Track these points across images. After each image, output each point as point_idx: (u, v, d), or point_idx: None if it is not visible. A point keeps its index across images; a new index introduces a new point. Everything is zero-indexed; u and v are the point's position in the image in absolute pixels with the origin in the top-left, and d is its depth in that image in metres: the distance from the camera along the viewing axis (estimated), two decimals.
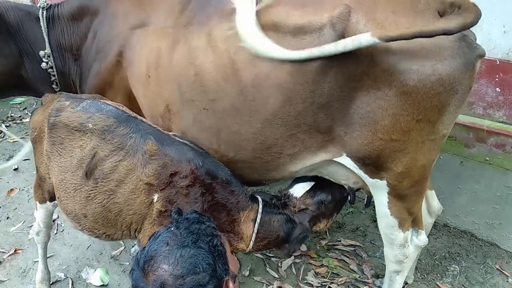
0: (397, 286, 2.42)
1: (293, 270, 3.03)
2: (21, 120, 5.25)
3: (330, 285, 2.88)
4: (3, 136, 4.84)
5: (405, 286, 2.83)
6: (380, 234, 2.31)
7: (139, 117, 2.19)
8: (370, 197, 2.29)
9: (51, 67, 2.70)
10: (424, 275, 2.96)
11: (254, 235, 2.17)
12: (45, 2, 2.66)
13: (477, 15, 1.63)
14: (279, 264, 3.08)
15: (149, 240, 1.50)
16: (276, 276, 2.99)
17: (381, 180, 2.01)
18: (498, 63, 2.80)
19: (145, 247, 1.46)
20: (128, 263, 3.09)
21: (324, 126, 1.96)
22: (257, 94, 1.97)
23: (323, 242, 3.26)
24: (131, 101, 2.52)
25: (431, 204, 2.54)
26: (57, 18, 2.65)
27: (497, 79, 2.84)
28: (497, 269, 2.98)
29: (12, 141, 4.74)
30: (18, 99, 5.54)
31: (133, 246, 3.19)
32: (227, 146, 2.19)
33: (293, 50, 1.81)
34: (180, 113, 2.27)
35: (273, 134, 2.04)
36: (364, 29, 1.71)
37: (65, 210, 2.23)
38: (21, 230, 3.45)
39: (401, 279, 2.40)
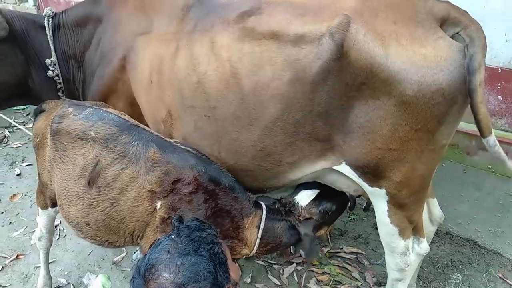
0: None
1: (295, 278, 3.03)
2: (24, 125, 5.28)
3: None
4: (7, 142, 4.87)
5: None
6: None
7: (141, 125, 2.20)
8: (369, 203, 2.29)
9: (57, 75, 2.72)
10: (426, 283, 2.94)
11: (258, 240, 2.17)
12: (50, 10, 2.69)
13: (484, 42, 1.67)
14: (281, 271, 3.07)
15: (150, 247, 1.51)
16: (278, 283, 2.98)
17: (380, 188, 2.00)
18: (500, 71, 2.80)
19: (146, 254, 1.46)
20: (129, 269, 3.09)
21: (323, 134, 1.96)
22: (258, 102, 1.98)
23: (325, 250, 3.25)
24: (133, 107, 2.54)
25: (433, 212, 2.53)
26: (62, 26, 2.68)
27: (499, 87, 2.84)
28: (500, 277, 2.97)
29: (15, 146, 4.77)
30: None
31: (134, 252, 3.19)
32: (228, 153, 2.20)
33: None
34: (181, 119, 2.28)
35: (272, 141, 2.05)
36: (364, 39, 1.72)
37: (67, 217, 2.24)
38: (23, 236, 3.46)
39: (403, 287, 2.39)
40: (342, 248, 3.27)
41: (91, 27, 2.65)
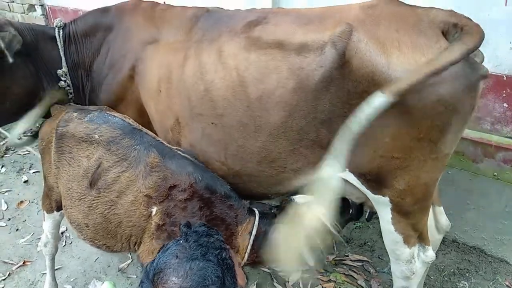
0: None
1: (300, 285, 3.02)
2: (31, 133, 5.32)
3: None
4: (14, 149, 4.91)
5: None
6: None
7: (144, 130, 2.23)
8: (372, 212, 2.27)
9: (68, 85, 2.76)
10: None
11: (249, 247, 2.15)
12: (60, 21, 2.73)
13: (480, 37, 1.62)
14: (286, 279, 3.06)
15: (158, 253, 1.52)
16: None
17: (383, 196, 2.00)
18: (505, 78, 2.80)
19: (154, 259, 1.47)
20: (135, 276, 3.10)
21: (326, 141, 1.97)
22: (263, 110, 2.01)
23: (331, 257, 3.24)
24: (142, 115, 2.57)
25: (440, 220, 2.52)
26: (72, 36, 2.71)
27: (504, 95, 2.84)
28: (507, 285, 2.94)
29: (22, 153, 4.81)
30: None
31: None
32: (234, 160, 2.22)
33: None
34: (189, 126, 2.31)
35: (277, 148, 2.07)
36: (366, 48, 1.73)
37: (69, 218, 2.28)
38: (30, 242, 3.48)
39: None
40: (347, 256, 3.26)
41: (101, 36, 2.69)
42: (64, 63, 2.70)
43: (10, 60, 2.40)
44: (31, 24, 2.76)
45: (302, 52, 1.89)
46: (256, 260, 2.24)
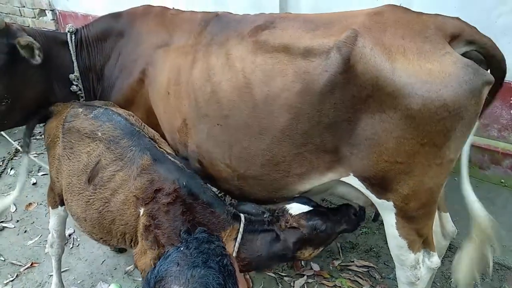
0: None
1: None
2: (41, 135, 5.38)
3: None
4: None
5: None
6: None
7: (142, 131, 2.27)
8: (377, 213, 2.26)
9: (80, 89, 2.80)
10: None
11: (234, 253, 2.14)
12: (72, 27, 2.78)
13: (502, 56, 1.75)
14: (292, 284, 3.06)
15: (158, 260, 1.52)
16: None
17: (387, 201, 2.01)
18: None
19: (155, 267, 1.47)
20: (141, 279, 3.11)
21: (330, 146, 1.99)
22: (268, 112, 2.04)
23: (336, 263, 3.24)
24: (150, 117, 2.62)
25: (446, 226, 2.52)
26: (84, 41, 2.77)
27: (511, 102, 2.84)
28: None
29: (31, 156, 4.84)
30: None
31: None
32: (239, 161, 2.25)
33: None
34: (196, 127, 2.36)
35: (281, 151, 2.09)
36: (370, 53, 1.75)
37: (70, 211, 2.35)
38: (38, 244, 3.52)
39: None
40: (353, 261, 3.25)
41: (112, 41, 2.74)
42: (76, 68, 2.75)
43: (38, 61, 2.46)
44: (42, 30, 2.81)
45: (308, 57, 1.91)
46: (242, 266, 2.18)
